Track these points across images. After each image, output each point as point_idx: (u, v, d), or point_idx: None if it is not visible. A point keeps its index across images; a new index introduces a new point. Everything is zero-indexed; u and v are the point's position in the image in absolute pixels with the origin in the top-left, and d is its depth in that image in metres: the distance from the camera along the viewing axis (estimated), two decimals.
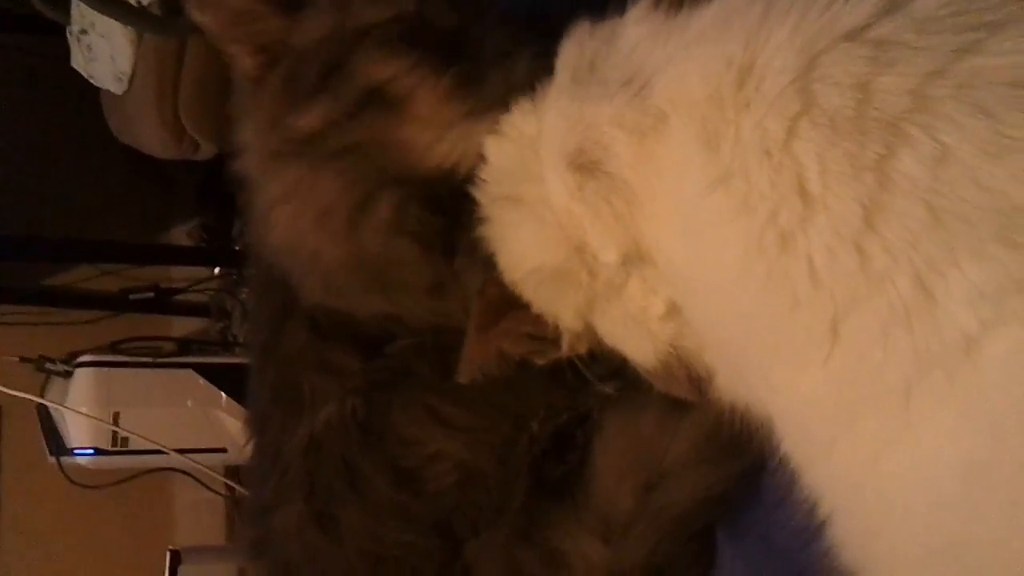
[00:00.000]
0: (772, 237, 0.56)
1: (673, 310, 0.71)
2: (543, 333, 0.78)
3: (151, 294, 2.41)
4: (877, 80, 0.53)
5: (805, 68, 0.56)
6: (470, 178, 0.78)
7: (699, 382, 0.73)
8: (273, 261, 0.89)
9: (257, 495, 0.98)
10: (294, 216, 0.84)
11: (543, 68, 0.76)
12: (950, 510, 0.51)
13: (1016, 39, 0.51)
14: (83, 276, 2.43)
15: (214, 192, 2.42)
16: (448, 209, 0.81)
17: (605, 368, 0.83)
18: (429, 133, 0.79)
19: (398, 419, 0.88)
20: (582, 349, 0.80)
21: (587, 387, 0.85)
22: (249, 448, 1.01)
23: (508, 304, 0.78)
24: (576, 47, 0.74)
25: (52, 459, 2.18)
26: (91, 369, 2.20)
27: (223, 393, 2.20)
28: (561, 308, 0.77)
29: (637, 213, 0.67)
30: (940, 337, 0.50)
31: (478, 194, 0.78)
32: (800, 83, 0.56)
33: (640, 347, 0.76)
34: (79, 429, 2.16)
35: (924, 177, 0.51)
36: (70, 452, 2.17)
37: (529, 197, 0.75)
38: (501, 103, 0.78)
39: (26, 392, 2.14)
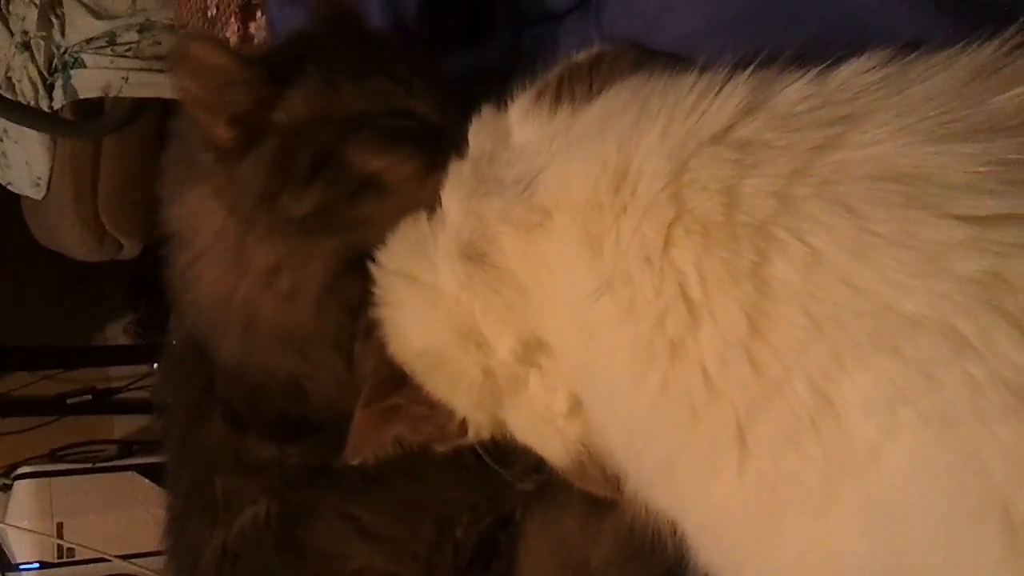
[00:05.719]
0: (661, 344, 0.55)
1: (577, 407, 0.69)
2: (440, 417, 0.76)
3: (89, 396, 2.36)
4: (742, 183, 0.52)
5: (675, 173, 0.55)
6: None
7: (615, 480, 0.71)
8: (194, 321, 0.86)
9: None
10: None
11: None
12: None
13: (874, 130, 0.51)
14: (18, 384, 2.38)
15: (146, 287, 2.38)
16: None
17: (524, 464, 0.81)
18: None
19: (318, 531, 0.85)
20: (486, 436, 0.77)
21: (508, 486, 0.83)
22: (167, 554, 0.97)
23: (399, 382, 0.75)
24: (480, 135, 0.74)
25: None
26: (31, 480, 2.15)
27: None
28: (455, 397, 0.74)
29: (530, 304, 0.66)
30: (848, 444, 0.49)
31: (375, 270, 0.76)
32: (671, 188, 0.55)
33: (550, 445, 0.74)
34: (22, 544, 2.12)
35: (798, 282, 0.50)
36: (15, 568, 2.13)
37: (423, 277, 0.73)
38: None
39: None
